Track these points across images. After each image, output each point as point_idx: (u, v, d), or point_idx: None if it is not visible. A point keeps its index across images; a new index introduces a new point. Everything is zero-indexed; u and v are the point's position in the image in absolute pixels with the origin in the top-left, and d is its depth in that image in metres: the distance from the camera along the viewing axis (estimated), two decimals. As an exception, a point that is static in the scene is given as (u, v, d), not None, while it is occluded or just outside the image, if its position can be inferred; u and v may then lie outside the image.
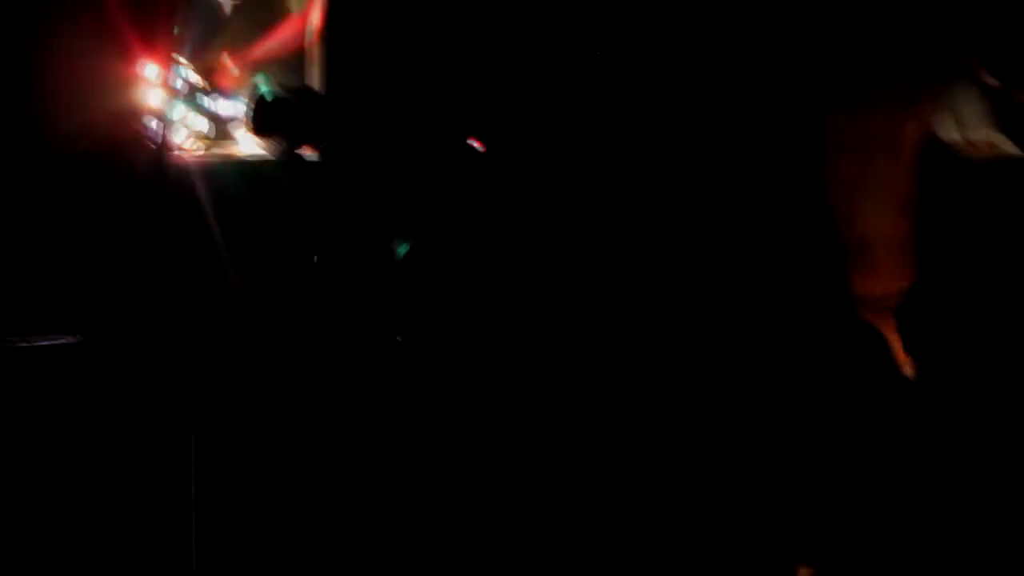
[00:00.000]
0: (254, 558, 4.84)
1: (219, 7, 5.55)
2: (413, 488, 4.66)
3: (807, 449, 4.08)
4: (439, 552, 4.42)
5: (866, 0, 5.47)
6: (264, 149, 5.50)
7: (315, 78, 5.64)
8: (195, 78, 5.42)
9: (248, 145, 5.52)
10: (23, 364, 4.84)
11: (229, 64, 5.57)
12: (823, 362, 4.98)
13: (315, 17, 5.62)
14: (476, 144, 5.75)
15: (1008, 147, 5.44)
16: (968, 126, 5.47)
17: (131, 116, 5.10)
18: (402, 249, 4.05)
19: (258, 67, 5.60)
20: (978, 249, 5.27)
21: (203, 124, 5.45)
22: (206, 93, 5.46)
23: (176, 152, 5.29)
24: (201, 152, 5.43)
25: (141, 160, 5.11)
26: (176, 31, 5.22)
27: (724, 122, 5.82)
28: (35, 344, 4.88)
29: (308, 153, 5.55)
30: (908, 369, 4.71)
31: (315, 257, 3.80)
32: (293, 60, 5.69)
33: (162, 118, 5.14)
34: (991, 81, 5.34)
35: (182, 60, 5.34)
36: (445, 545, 4.42)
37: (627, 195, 5.86)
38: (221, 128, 5.54)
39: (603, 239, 5.80)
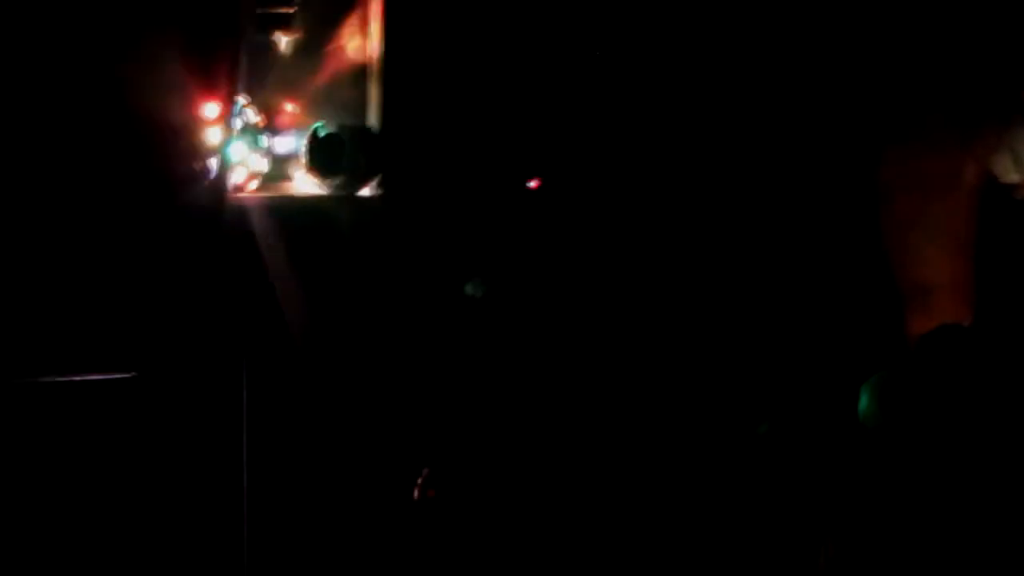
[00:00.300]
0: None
1: (278, 47, 5.59)
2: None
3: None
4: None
5: (924, 41, 5.44)
6: (321, 188, 5.53)
7: (372, 117, 5.67)
8: (254, 117, 5.45)
9: (306, 184, 5.54)
10: (79, 398, 4.89)
11: (287, 103, 5.60)
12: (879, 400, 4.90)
13: (373, 56, 5.66)
14: (532, 183, 5.77)
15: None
16: (1027, 167, 5.42)
17: (191, 155, 5.13)
18: (476, 289, 4.07)
19: (316, 106, 5.63)
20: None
21: (262, 163, 5.48)
22: (265, 132, 5.49)
23: (235, 191, 5.32)
24: (260, 191, 5.46)
25: (200, 199, 5.14)
26: (236, 72, 5.25)
27: (783, 159, 5.80)
28: (91, 379, 4.93)
29: (365, 191, 5.59)
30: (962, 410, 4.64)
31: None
32: (351, 99, 5.72)
33: (221, 157, 5.18)
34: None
35: (241, 100, 5.38)
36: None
37: (683, 226, 5.85)
38: (279, 167, 5.57)
39: (661, 270, 5.80)
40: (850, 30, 5.60)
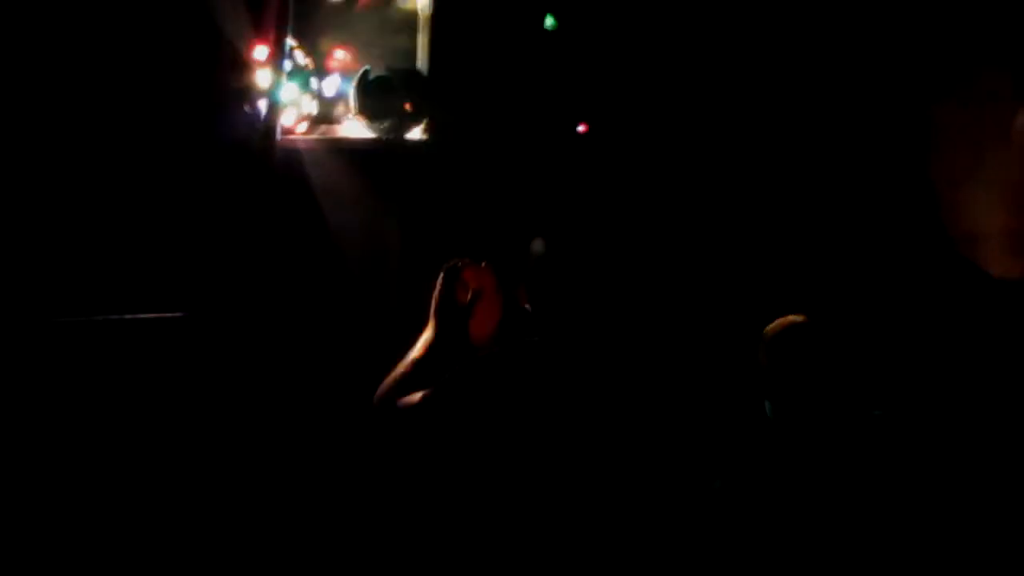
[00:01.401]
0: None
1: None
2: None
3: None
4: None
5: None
6: (370, 131, 5.53)
7: (421, 60, 5.67)
8: (303, 60, 5.45)
9: (355, 127, 5.54)
10: (131, 337, 4.93)
11: (337, 47, 5.60)
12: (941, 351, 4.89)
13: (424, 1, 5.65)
14: (582, 128, 5.76)
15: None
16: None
17: (242, 97, 5.14)
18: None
19: (365, 49, 5.63)
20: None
21: (311, 105, 5.48)
22: (314, 74, 5.50)
23: (284, 133, 5.33)
24: (309, 133, 5.46)
25: (251, 140, 5.16)
26: (287, 13, 5.25)
27: (837, 116, 5.77)
28: (142, 318, 4.96)
29: (413, 134, 5.59)
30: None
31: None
32: (400, 43, 5.71)
33: (271, 99, 5.18)
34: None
35: (292, 42, 5.37)
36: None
37: (739, 182, 5.83)
38: (329, 110, 5.57)
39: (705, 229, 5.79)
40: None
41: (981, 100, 5.45)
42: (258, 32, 5.14)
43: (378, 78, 5.48)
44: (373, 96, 5.46)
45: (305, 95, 5.44)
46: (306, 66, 5.47)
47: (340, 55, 5.60)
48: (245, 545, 4.99)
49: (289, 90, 5.33)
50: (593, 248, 3.52)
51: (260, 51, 5.14)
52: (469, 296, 3.62)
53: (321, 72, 5.55)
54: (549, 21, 5.71)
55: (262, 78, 5.15)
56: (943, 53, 5.51)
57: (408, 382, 3.48)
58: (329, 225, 5.37)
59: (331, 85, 5.53)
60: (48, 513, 4.76)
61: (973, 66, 5.45)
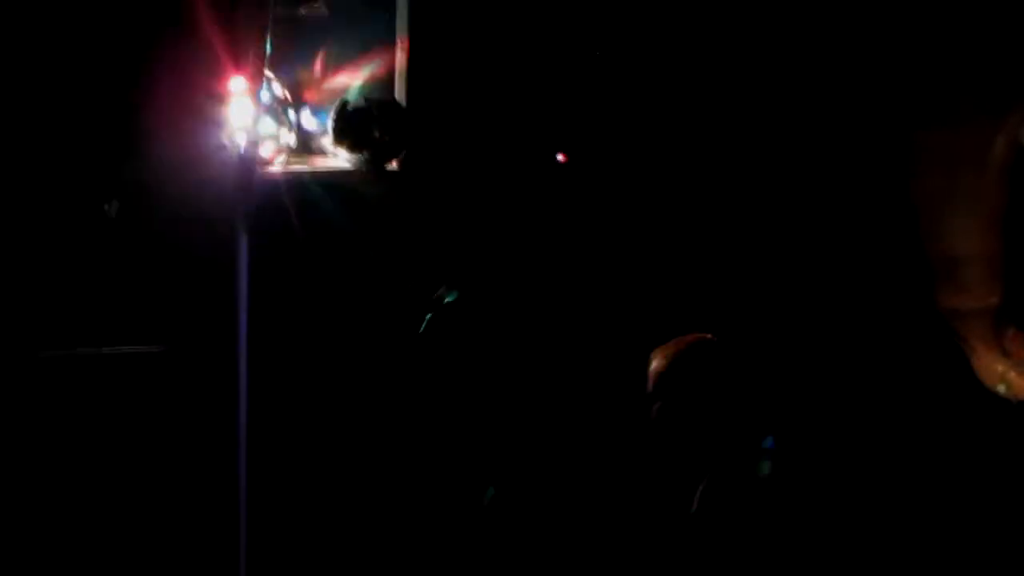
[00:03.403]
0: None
1: (304, 22, 5.60)
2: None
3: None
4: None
5: (953, 15, 5.40)
6: (349, 162, 5.53)
7: (399, 91, 5.67)
8: (282, 92, 5.46)
9: (333, 158, 5.55)
10: (108, 371, 4.92)
11: (316, 78, 5.61)
12: (910, 375, 4.90)
13: (400, 30, 5.66)
14: (561, 157, 5.76)
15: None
16: (1058, 139, 5.37)
17: (219, 130, 5.14)
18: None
19: (345, 80, 5.63)
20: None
21: (289, 137, 5.48)
22: (293, 107, 5.50)
23: (262, 165, 5.33)
24: (287, 165, 5.47)
25: (229, 173, 5.15)
26: (264, 46, 5.25)
27: (815, 137, 5.78)
28: (121, 352, 4.95)
29: (392, 166, 5.59)
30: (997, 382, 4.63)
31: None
32: (381, 74, 5.72)
33: (250, 132, 5.18)
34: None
35: (270, 74, 5.38)
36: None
37: (712, 205, 5.83)
38: (308, 142, 5.58)
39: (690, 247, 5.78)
40: (877, 5, 5.58)
41: (959, 124, 5.45)
42: (235, 64, 5.13)
43: (356, 109, 5.47)
44: (351, 127, 5.46)
45: (283, 127, 5.44)
46: (284, 98, 5.47)
47: (318, 83, 5.61)
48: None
49: (266, 122, 5.32)
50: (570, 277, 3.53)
51: (237, 83, 5.13)
52: None
53: (299, 103, 5.55)
54: None
55: (240, 110, 5.14)
56: (922, 76, 5.51)
57: None
58: (308, 256, 5.37)
59: (309, 117, 5.53)
60: (29, 547, 4.74)
61: (951, 90, 5.45)
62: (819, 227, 5.69)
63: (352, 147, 5.48)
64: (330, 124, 5.47)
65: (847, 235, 5.64)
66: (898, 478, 4.65)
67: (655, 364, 4.04)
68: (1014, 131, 5.37)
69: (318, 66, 5.63)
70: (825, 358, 5.37)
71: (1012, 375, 5.07)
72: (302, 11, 5.60)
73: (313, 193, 5.40)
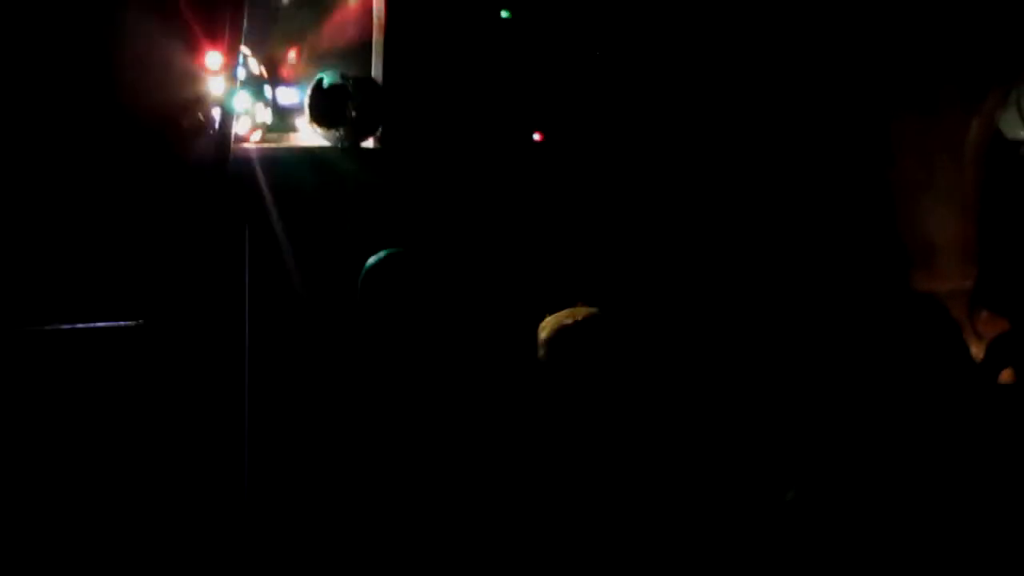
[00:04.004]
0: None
1: (281, -2, 5.59)
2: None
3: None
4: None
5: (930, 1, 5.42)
6: (326, 139, 5.51)
7: (376, 68, 5.66)
8: (258, 68, 5.43)
9: (309, 135, 5.53)
10: (84, 345, 4.90)
11: (293, 54, 5.59)
12: (887, 361, 4.89)
13: (377, 7, 5.64)
14: (537, 136, 5.76)
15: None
16: (1034, 124, 5.41)
17: (194, 106, 5.11)
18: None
19: (322, 57, 5.61)
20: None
21: (265, 114, 5.46)
22: (269, 83, 5.48)
23: (238, 142, 5.30)
24: (263, 142, 5.45)
25: (203, 149, 5.12)
26: (241, 21, 5.22)
27: (790, 123, 5.79)
28: (96, 327, 4.93)
29: (368, 143, 5.58)
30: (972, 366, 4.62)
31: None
32: (358, 51, 5.70)
33: (225, 108, 5.15)
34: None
35: (245, 50, 5.35)
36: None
37: (686, 193, 5.85)
38: (283, 118, 5.56)
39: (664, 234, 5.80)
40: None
41: (935, 110, 5.48)
42: (211, 40, 5.10)
43: (333, 86, 5.45)
44: (327, 104, 5.44)
45: (259, 103, 5.42)
46: (260, 74, 5.45)
47: (294, 60, 5.59)
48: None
49: (242, 99, 5.30)
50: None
51: (213, 59, 5.10)
52: None
53: (275, 80, 5.53)
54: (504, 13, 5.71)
55: (215, 86, 5.11)
56: (898, 62, 5.54)
57: None
58: (283, 233, 5.35)
59: (285, 93, 5.51)
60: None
61: (927, 76, 5.47)
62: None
63: (328, 124, 5.46)
64: (307, 101, 5.45)
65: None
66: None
67: (544, 334, 4.09)
68: (990, 116, 5.40)
69: (295, 43, 5.60)
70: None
71: None
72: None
73: (289, 170, 5.38)
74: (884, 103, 5.58)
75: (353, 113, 5.44)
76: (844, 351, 4.65)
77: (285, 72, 5.57)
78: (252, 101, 5.39)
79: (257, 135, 5.43)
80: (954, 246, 5.39)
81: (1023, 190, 5.36)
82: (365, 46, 5.69)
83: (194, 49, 5.05)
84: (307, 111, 5.46)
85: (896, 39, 5.52)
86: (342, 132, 5.47)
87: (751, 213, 5.82)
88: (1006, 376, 4.86)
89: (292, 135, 5.56)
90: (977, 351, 5.14)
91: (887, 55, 5.54)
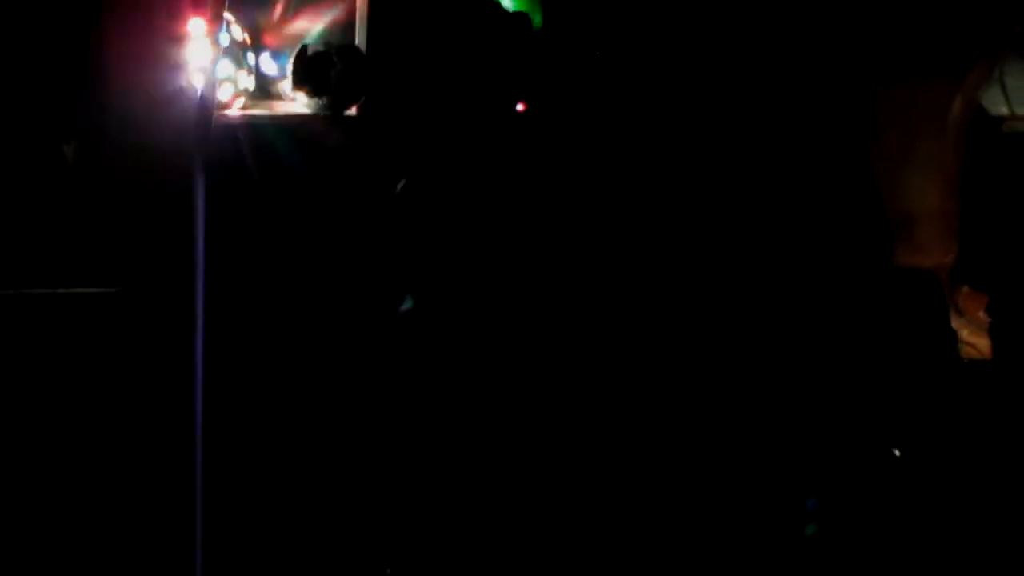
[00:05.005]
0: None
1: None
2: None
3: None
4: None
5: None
6: (308, 107, 5.50)
7: (360, 36, 5.64)
8: (242, 35, 5.42)
9: (293, 103, 5.52)
10: (64, 310, 4.90)
11: (277, 21, 5.57)
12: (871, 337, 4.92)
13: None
14: (520, 106, 5.75)
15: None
16: (1017, 100, 5.41)
17: (177, 72, 5.09)
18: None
19: (305, 25, 5.59)
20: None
21: (249, 81, 5.45)
22: (252, 50, 5.46)
23: (221, 108, 5.29)
24: (246, 109, 5.43)
25: (186, 116, 5.11)
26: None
27: (772, 98, 5.79)
28: (75, 292, 4.93)
29: (351, 111, 5.57)
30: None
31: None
32: (342, 19, 5.68)
33: (208, 74, 5.13)
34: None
35: (228, 17, 5.33)
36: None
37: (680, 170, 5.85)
38: (267, 86, 5.54)
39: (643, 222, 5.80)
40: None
41: (919, 84, 5.48)
42: (194, 5, 5.09)
43: (316, 54, 5.43)
44: (310, 72, 5.43)
45: (242, 70, 5.40)
46: (244, 41, 5.43)
47: (278, 26, 5.58)
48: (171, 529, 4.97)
49: (225, 65, 5.28)
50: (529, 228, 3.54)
51: (196, 25, 5.09)
52: None
53: (259, 47, 5.51)
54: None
55: (198, 52, 5.10)
56: (881, 37, 5.53)
57: None
58: (264, 200, 5.34)
59: (268, 60, 5.50)
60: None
61: (910, 50, 5.47)
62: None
63: (311, 92, 5.44)
64: (290, 68, 5.44)
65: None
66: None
67: None
68: (972, 91, 5.40)
69: (278, 9, 5.58)
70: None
71: (965, 332, 5.12)
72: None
73: (271, 137, 5.38)
74: (868, 78, 5.58)
75: (336, 81, 5.43)
76: (828, 330, 4.68)
77: (269, 39, 5.54)
78: (235, 68, 5.37)
79: (239, 102, 5.41)
80: (937, 220, 5.39)
81: (1004, 167, 5.37)
82: (349, 14, 5.67)
83: (177, 15, 5.03)
84: (290, 78, 5.45)
85: (880, 14, 5.52)
86: (325, 100, 5.46)
87: (730, 190, 5.82)
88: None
89: (275, 102, 5.54)
90: (959, 326, 5.16)
91: (871, 30, 5.54)
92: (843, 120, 5.64)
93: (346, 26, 5.65)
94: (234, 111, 5.39)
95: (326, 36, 5.54)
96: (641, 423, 4.81)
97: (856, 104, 5.60)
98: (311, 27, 5.59)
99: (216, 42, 5.16)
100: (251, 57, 5.46)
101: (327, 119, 5.49)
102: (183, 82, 5.11)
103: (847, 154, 5.62)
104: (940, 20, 5.38)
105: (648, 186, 5.78)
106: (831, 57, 5.68)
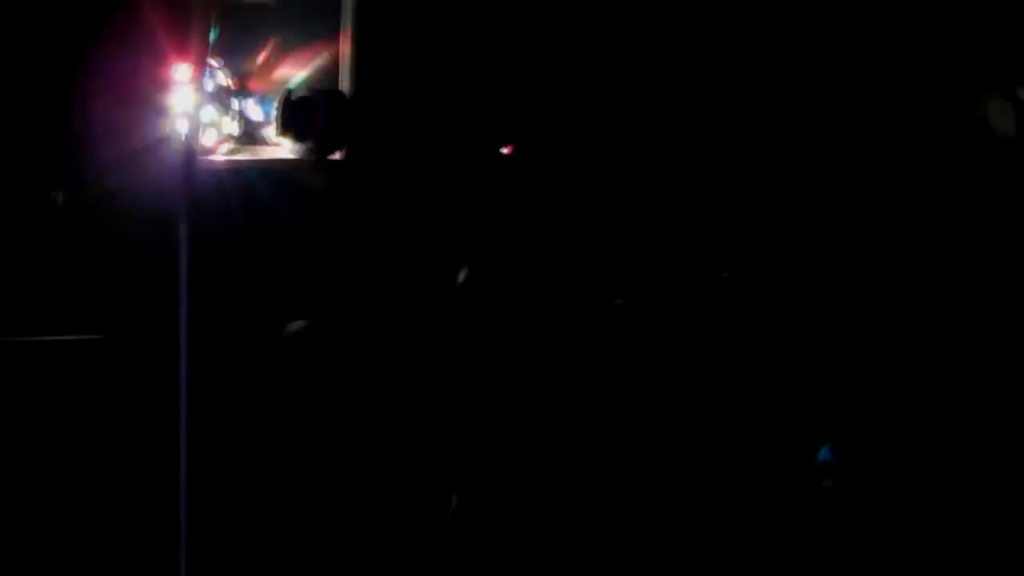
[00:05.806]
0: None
1: (252, 9, 5.57)
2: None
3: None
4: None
5: (900, 11, 5.44)
6: (293, 152, 5.51)
7: (345, 81, 5.66)
8: (227, 80, 5.43)
9: (278, 148, 5.52)
10: (49, 358, 4.89)
11: (261, 67, 5.58)
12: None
13: (346, 20, 5.64)
14: (505, 149, 5.76)
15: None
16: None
17: (162, 117, 5.10)
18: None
19: (290, 70, 5.61)
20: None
21: (234, 127, 5.46)
22: (237, 96, 5.47)
23: (206, 155, 5.29)
24: (230, 154, 5.44)
25: (171, 162, 5.11)
26: (209, 33, 5.22)
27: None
28: (61, 339, 4.91)
29: (336, 156, 5.57)
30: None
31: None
32: (326, 64, 5.70)
33: (193, 120, 5.14)
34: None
35: (213, 62, 5.34)
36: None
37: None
38: (252, 131, 5.55)
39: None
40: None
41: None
42: (180, 51, 5.09)
43: (300, 99, 5.45)
44: (295, 117, 5.44)
45: (227, 115, 5.41)
46: (228, 86, 5.44)
47: (263, 72, 5.59)
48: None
49: (210, 111, 5.29)
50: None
51: (181, 70, 5.10)
52: None
53: (244, 92, 5.52)
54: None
55: (183, 97, 5.10)
56: (863, 80, 5.55)
57: None
58: (250, 246, 5.34)
59: (253, 106, 5.51)
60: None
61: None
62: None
63: (296, 137, 5.46)
64: (274, 114, 5.45)
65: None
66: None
67: None
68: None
69: (263, 55, 5.60)
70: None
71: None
72: (248, -1, 5.59)
73: (256, 183, 5.37)
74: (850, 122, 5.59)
75: (321, 126, 5.44)
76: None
77: (253, 84, 5.55)
78: (219, 113, 5.38)
79: (224, 147, 5.41)
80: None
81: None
82: (333, 59, 5.69)
83: (162, 61, 5.04)
84: (275, 124, 5.46)
85: (861, 56, 5.54)
86: (310, 145, 5.47)
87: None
88: None
89: (259, 148, 5.55)
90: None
91: (854, 73, 5.57)
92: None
93: (331, 71, 5.67)
94: (219, 156, 5.39)
95: (311, 81, 5.56)
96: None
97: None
98: (296, 72, 5.61)
99: (201, 87, 5.17)
100: (236, 102, 5.47)
101: (312, 164, 5.49)
102: (168, 128, 5.11)
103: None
104: (922, 62, 5.41)
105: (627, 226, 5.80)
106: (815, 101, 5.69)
